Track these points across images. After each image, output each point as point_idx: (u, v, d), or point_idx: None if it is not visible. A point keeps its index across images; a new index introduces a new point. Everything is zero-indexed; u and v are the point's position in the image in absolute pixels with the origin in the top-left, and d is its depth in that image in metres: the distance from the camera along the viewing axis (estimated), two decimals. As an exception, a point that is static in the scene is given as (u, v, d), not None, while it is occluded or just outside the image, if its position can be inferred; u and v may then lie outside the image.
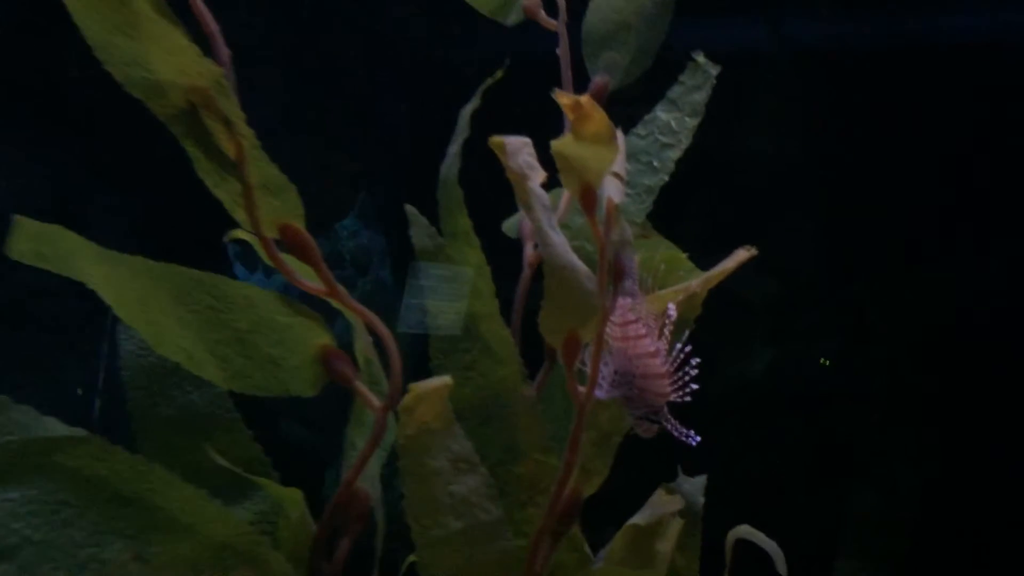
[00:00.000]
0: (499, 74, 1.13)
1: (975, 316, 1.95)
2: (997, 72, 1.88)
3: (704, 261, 1.13)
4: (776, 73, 1.97)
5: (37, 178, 1.68)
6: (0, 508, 0.76)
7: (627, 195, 1.15)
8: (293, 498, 0.97)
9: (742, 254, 1.03)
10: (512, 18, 1.28)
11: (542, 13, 1.26)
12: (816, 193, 1.99)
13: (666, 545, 1.20)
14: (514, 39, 1.31)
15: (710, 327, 1.98)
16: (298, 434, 2.10)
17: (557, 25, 1.25)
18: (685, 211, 1.82)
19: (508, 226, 1.26)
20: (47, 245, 0.90)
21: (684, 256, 1.19)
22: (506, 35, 1.29)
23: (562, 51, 1.23)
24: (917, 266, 1.97)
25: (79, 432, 0.84)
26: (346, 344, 1.08)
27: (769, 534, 1.22)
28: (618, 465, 1.17)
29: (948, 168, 1.93)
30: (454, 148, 1.11)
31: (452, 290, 1.12)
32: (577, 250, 1.11)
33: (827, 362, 2.01)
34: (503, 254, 1.25)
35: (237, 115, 0.90)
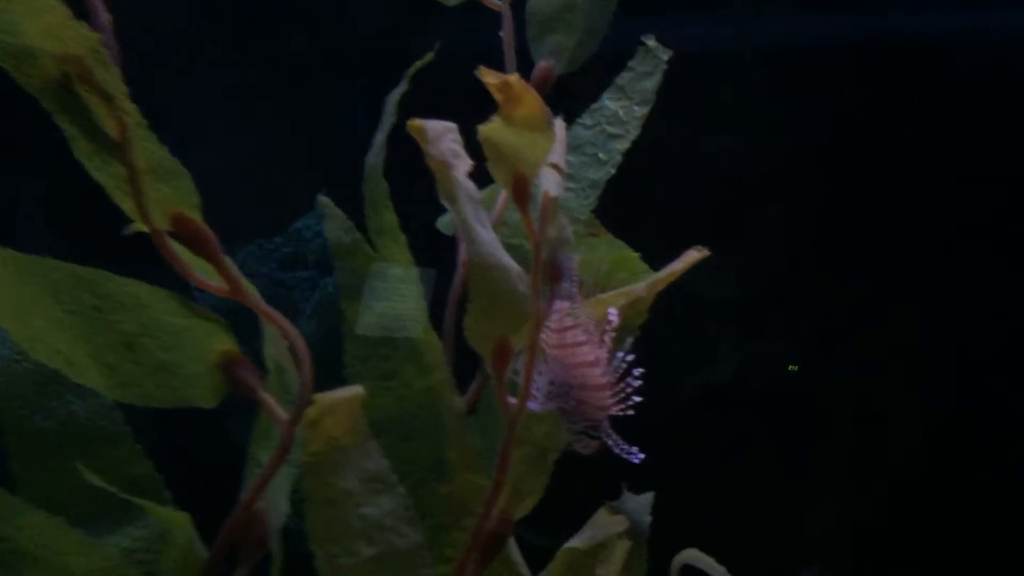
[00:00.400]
0: (429, 57, 1.03)
1: (946, 323, 1.89)
2: (973, 73, 1.83)
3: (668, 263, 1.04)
4: (745, 71, 1.90)
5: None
6: None
7: (570, 190, 1.05)
8: (179, 521, 0.86)
9: (693, 255, 0.94)
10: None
11: (487, -6, 1.17)
12: (785, 193, 1.93)
13: (610, 570, 1.11)
14: (477, 32, 1.22)
15: (675, 330, 1.91)
16: (246, 436, 1.96)
17: (501, 6, 1.15)
18: (648, 211, 1.75)
19: (444, 223, 1.16)
20: None
21: (636, 256, 1.10)
22: (469, 28, 1.19)
23: (506, 34, 1.13)
24: (888, 271, 1.91)
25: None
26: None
27: (733, 541, 1.14)
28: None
29: (921, 172, 1.87)
30: (380, 137, 1.01)
31: (411, 292, 1.01)
32: (515, 249, 1.02)
33: (795, 368, 1.94)
34: (439, 252, 1.16)
35: (118, 89, 0.78)
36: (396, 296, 1.01)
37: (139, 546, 0.87)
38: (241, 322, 0.99)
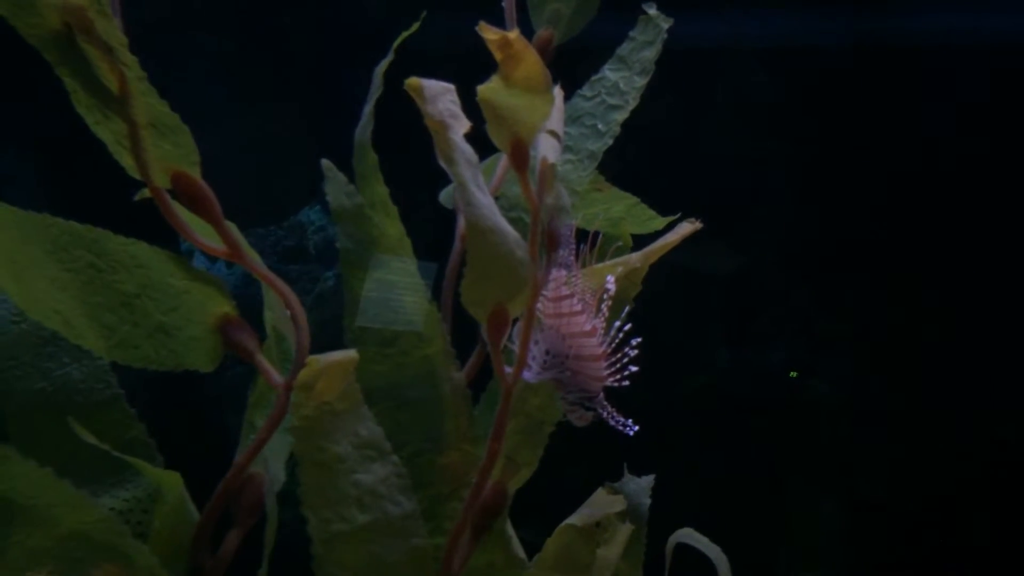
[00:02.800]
0: (415, 27, 1.03)
1: (944, 326, 1.88)
2: (975, 74, 1.82)
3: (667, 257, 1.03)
4: (749, 68, 1.89)
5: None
6: None
7: (568, 161, 1.05)
8: (171, 482, 0.85)
9: (686, 228, 0.93)
10: None
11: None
12: (782, 194, 1.92)
13: (611, 551, 1.10)
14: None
15: (670, 330, 1.90)
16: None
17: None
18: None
19: (445, 196, 1.15)
20: None
21: (643, 204, 1.10)
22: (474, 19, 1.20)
23: (507, 5, 1.13)
24: (885, 273, 1.90)
25: None
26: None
27: (723, 542, 1.12)
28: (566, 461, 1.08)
29: (918, 172, 1.86)
30: (368, 108, 1.00)
31: (413, 283, 1.01)
32: (513, 222, 1.01)
33: (795, 374, 1.93)
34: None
35: (119, 40, 0.79)
36: (397, 287, 1.00)
37: (130, 507, 0.87)
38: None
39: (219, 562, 0.88)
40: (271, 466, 0.94)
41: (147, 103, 0.82)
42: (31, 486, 0.73)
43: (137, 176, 0.84)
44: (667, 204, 1.10)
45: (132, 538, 0.77)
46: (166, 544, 0.83)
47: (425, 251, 1.02)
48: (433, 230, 1.15)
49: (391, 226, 0.99)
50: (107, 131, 0.82)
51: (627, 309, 0.89)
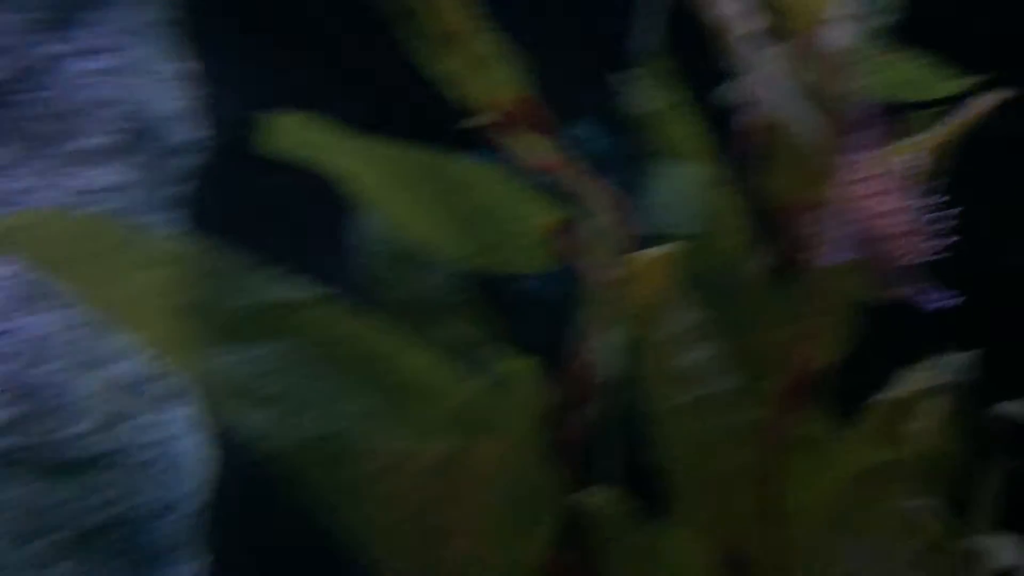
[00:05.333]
0: None
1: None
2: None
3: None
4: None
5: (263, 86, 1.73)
6: (254, 363, 0.86)
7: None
8: (525, 367, 1.00)
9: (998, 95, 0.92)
10: None
11: None
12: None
13: (922, 424, 1.12)
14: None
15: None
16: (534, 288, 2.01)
17: None
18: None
19: (721, 94, 1.19)
20: (296, 136, 0.97)
21: (938, 67, 1.07)
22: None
23: None
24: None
25: (322, 292, 0.91)
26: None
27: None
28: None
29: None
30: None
31: (691, 188, 1.09)
32: (808, 108, 1.04)
33: None
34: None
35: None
36: (692, 189, 1.08)
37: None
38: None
39: (569, 435, 1.02)
40: (604, 354, 1.06)
41: (480, 40, 0.95)
42: (425, 368, 0.91)
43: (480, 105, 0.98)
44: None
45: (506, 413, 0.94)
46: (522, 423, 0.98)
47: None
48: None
49: (687, 129, 1.06)
50: (448, 66, 0.96)
51: (938, 184, 0.90)
